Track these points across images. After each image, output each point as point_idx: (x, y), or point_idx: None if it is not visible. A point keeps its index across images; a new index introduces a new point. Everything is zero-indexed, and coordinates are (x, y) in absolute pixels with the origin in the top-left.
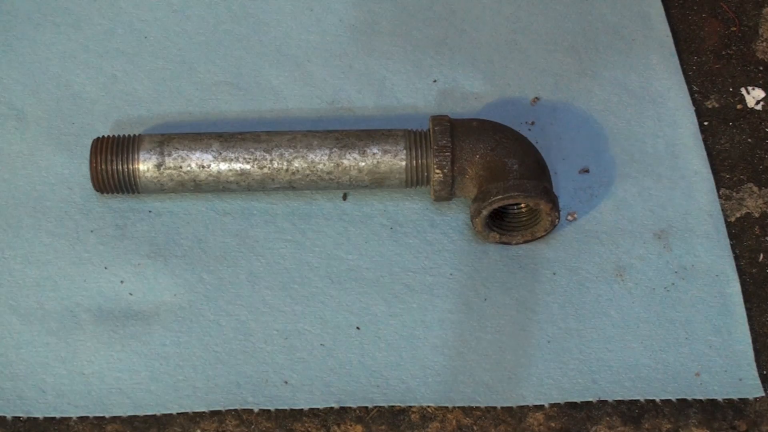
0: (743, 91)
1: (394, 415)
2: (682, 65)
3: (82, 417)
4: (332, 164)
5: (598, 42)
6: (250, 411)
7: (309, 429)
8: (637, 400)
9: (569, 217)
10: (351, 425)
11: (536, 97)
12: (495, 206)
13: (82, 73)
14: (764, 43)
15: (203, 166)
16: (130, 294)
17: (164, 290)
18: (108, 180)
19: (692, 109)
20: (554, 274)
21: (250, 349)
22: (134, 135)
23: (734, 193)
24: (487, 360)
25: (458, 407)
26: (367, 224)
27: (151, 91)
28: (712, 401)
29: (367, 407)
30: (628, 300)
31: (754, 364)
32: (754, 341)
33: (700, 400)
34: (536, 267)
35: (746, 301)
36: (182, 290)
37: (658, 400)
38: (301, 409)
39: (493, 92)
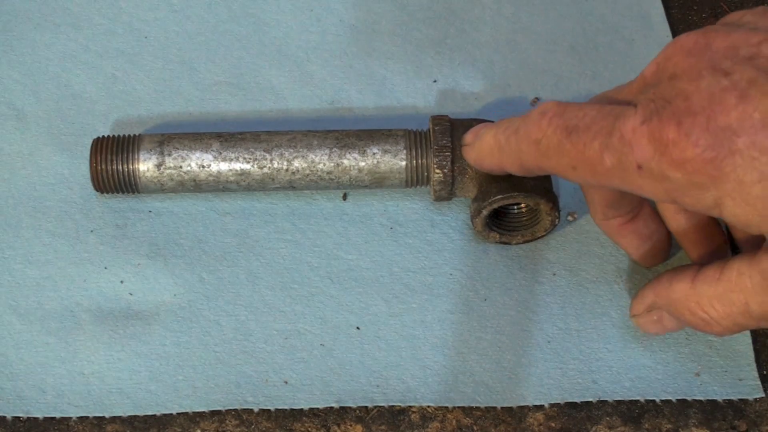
0: None
1: (394, 415)
2: None
3: (82, 417)
4: (332, 164)
5: (598, 42)
6: (250, 411)
7: (309, 429)
8: (637, 400)
9: (569, 217)
10: (351, 425)
11: (536, 98)
12: (495, 206)
13: (82, 73)
14: None
15: (203, 166)
16: (130, 294)
17: (164, 290)
18: (108, 180)
19: None
20: (554, 274)
21: (250, 349)
22: (134, 135)
23: None
24: (487, 360)
25: (458, 407)
26: (367, 224)
27: (151, 91)
28: (712, 401)
29: (367, 407)
30: (628, 300)
31: (754, 365)
32: (754, 341)
33: (700, 400)
34: (536, 267)
35: None
36: (182, 290)
37: (658, 400)
38: (301, 409)
39: (493, 92)
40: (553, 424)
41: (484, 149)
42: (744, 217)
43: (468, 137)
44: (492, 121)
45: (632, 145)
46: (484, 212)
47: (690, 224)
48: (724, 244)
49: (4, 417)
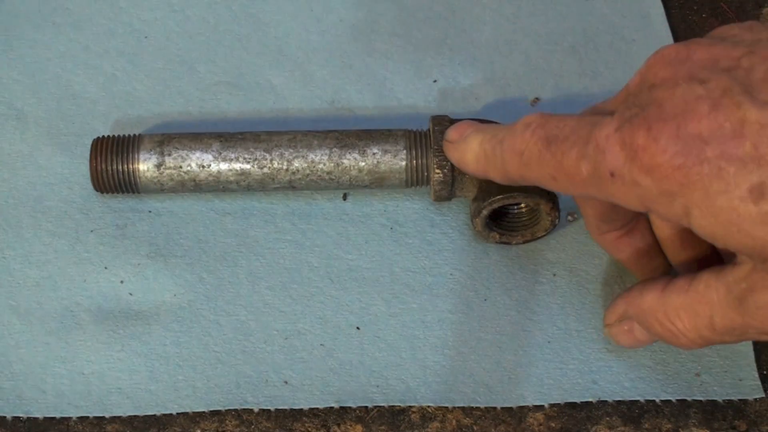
0: None
1: (394, 415)
2: None
3: (82, 417)
4: (332, 164)
5: (598, 42)
6: (250, 411)
7: (309, 429)
8: (637, 400)
9: (569, 218)
10: (351, 425)
11: (536, 98)
12: (495, 206)
13: (82, 73)
14: None
15: (203, 166)
16: (130, 294)
17: (164, 290)
18: (108, 180)
19: None
20: (554, 274)
21: (250, 349)
22: (134, 135)
23: None
24: (487, 360)
25: (458, 407)
26: (367, 224)
27: (151, 91)
28: (712, 401)
29: (367, 407)
30: None
31: (754, 365)
32: (754, 341)
33: (700, 400)
34: (536, 267)
35: None
36: (182, 290)
37: (658, 400)
38: (301, 409)
39: (493, 92)
40: (553, 424)
41: (469, 155)
42: (709, 229)
43: (452, 134)
44: (491, 121)
45: (605, 152)
46: (484, 212)
47: (673, 231)
48: (710, 255)
49: (4, 417)
